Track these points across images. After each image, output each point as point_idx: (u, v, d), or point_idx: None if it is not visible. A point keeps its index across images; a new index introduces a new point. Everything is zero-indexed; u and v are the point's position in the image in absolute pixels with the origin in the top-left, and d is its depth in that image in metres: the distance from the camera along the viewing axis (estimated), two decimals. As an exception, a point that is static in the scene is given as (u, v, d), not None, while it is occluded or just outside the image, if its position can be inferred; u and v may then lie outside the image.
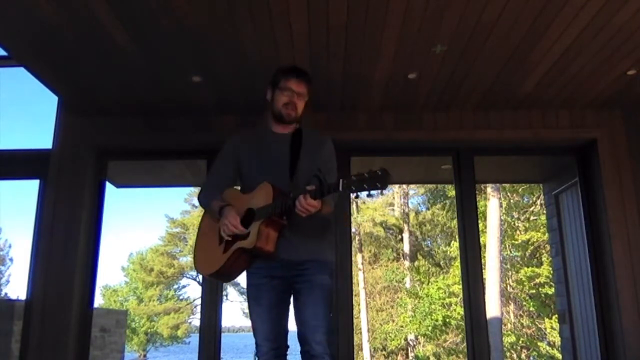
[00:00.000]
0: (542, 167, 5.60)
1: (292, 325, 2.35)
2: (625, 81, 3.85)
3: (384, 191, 1.89)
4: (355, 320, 13.91)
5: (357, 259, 17.42)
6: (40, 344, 3.95)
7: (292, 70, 2.48)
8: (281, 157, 2.39)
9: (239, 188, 2.51)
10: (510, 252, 14.87)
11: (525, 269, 13.83)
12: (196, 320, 21.19)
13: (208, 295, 4.25)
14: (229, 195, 2.43)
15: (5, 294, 23.63)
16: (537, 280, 13.47)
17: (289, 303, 2.37)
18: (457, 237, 5.96)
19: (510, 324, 14.78)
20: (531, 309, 14.08)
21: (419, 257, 17.63)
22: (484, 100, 4.19)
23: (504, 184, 13.67)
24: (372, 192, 1.88)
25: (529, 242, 14.06)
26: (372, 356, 16.53)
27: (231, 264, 2.29)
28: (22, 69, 3.75)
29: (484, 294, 4.26)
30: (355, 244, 17.32)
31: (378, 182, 1.86)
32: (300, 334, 2.25)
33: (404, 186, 17.60)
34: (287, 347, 2.35)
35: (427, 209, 18.52)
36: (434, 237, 18.76)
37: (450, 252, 15.93)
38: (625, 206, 4.13)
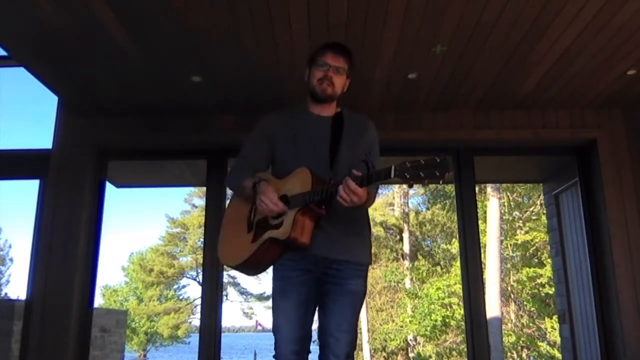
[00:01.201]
0: (542, 167, 5.59)
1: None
2: (625, 81, 3.85)
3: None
4: (355, 320, 13.88)
5: (357, 259, 17.37)
6: (40, 344, 3.95)
7: (328, 44, 2.28)
8: (321, 142, 2.18)
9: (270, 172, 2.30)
10: (512, 252, 14.87)
11: (527, 269, 13.82)
12: (196, 320, 21.15)
13: (208, 295, 4.25)
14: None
15: (5, 294, 23.72)
16: (539, 281, 13.46)
17: (317, 302, 2.14)
18: (457, 236, 5.96)
19: (511, 323, 14.78)
20: (531, 308, 14.08)
21: (419, 257, 17.62)
22: (484, 100, 4.19)
23: (504, 184, 13.66)
24: (428, 182, 1.61)
25: (530, 243, 14.06)
26: (372, 356, 16.52)
27: (260, 254, 2.06)
28: (22, 69, 3.74)
29: (484, 294, 4.26)
30: (355, 244, 17.27)
31: (437, 170, 1.60)
32: (320, 340, 2.08)
33: (404, 186, 17.60)
34: (309, 352, 2.11)
35: (427, 209, 18.53)
36: (434, 237, 18.76)
37: (451, 250, 15.91)
38: (625, 206, 4.13)
